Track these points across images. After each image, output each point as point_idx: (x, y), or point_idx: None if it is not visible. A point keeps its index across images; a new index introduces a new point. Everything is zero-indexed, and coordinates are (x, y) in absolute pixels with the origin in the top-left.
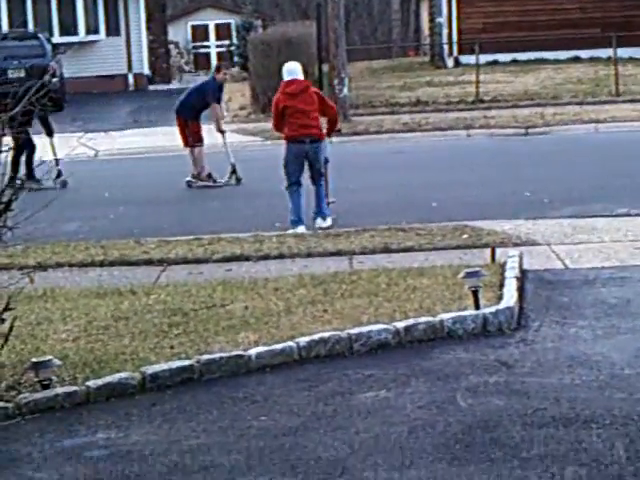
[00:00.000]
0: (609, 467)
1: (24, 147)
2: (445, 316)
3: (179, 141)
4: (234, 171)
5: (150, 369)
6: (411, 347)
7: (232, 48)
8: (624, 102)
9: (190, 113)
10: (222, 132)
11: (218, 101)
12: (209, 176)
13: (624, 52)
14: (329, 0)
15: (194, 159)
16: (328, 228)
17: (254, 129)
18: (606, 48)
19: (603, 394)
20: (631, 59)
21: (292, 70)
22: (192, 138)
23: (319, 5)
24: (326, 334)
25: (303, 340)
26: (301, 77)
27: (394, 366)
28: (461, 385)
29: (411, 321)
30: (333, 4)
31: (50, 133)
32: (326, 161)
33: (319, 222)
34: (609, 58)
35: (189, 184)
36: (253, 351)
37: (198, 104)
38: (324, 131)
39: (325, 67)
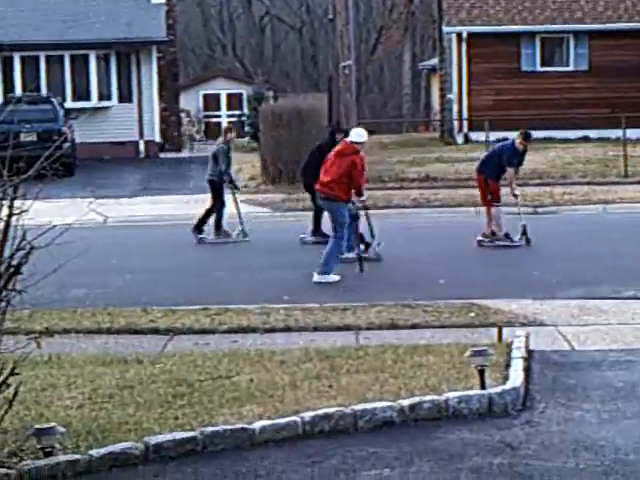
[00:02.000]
0: None
1: None
2: (451, 395)
3: (187, 209)
4: (524, 232)
5: (153, 439)
6: (416, 426)
7: (243, 118)
8: (632, 183)
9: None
10: (515, 196)
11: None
12: (507, 235)
13: (633, 133)
14: (341, 73)
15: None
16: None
17: (263, 200)
18: (615, 129)
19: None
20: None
21: (353, 132)
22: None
23: (331, 78)
24: (331, 410)
25: (307, 415)
26: (356, 141)
27: (398, 444)
28: (465, 465)
29: (416, 399)
30: (345, 77)
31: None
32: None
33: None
34: (618, 139)
35: (480, 243)
36: (257, 425)
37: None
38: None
39: None
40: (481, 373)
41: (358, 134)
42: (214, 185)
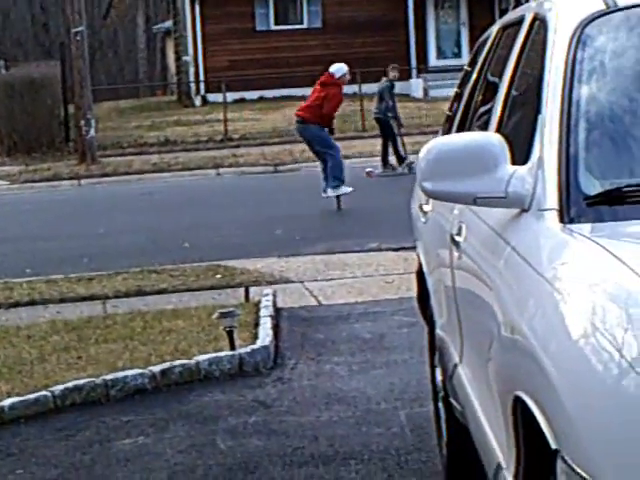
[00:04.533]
0: None
1: None
2: (201, 358)
3: None
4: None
5: None
6: (168, 391)
7: None
8: (370, 137)
9: None
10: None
11: None
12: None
13: (369, 88)
14: (72, 39)
15: None
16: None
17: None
18: (351, 84)
19: (360, 430)
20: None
21: (334, 67)
22: None
23: (62, 44)
24: (81, 381)
25: (58, 389)
26: (334, 74)
27: (152, 411)
28: (220, 427)
29: (167, 364)
30: (77, 43)
31: None
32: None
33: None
34: (355, 94)
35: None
36: (6, 402)
37: None
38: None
39: (71, 108)
40: (230, 334)
41: (338, 69)
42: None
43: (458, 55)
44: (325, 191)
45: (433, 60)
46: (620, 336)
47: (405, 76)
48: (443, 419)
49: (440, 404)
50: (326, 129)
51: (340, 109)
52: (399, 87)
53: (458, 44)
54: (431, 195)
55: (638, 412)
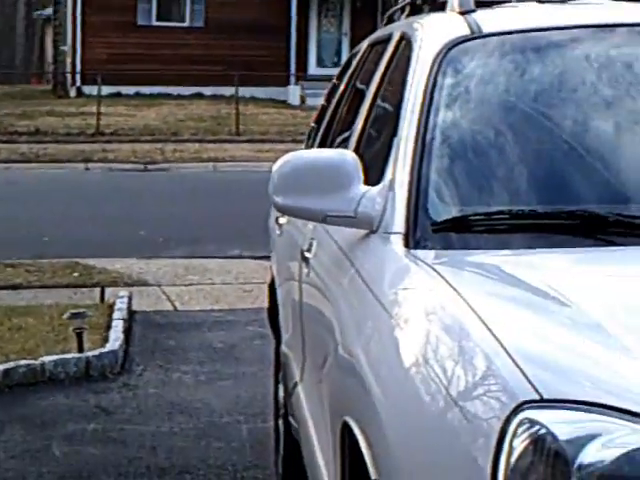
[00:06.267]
0: None
1: None
2: (47, 359)
3: None
4: None
5: None
6: (11, 392)
7: None
8: (243, 142)
9: None
10: None
11: None
12: None
13: (246, 91)
14: None
15: None
16: None
17: None
18: (229, 86)
19: (200, 443)
20: (253, 98)
21: None
22: None
23: None
24: None
25: None
26: None
27: None
28: (58, 433)
29: (12, 364)
30: None
31: None
32: None
33: None
34: (231, 96)
35: None
36: None
37: None
38: None
39: None
40: (79, 335)
41: None
42: None
43: (338, 64)
44: None
45: (313, 68)
46: (450, 368)
47: (283, 82)
48: (282, 436)
49: (280, 421)
50: None
51: (215, 112)
52: (276, 93)
53: (339, 53)
54: (281, 210)
55: (459, 449)
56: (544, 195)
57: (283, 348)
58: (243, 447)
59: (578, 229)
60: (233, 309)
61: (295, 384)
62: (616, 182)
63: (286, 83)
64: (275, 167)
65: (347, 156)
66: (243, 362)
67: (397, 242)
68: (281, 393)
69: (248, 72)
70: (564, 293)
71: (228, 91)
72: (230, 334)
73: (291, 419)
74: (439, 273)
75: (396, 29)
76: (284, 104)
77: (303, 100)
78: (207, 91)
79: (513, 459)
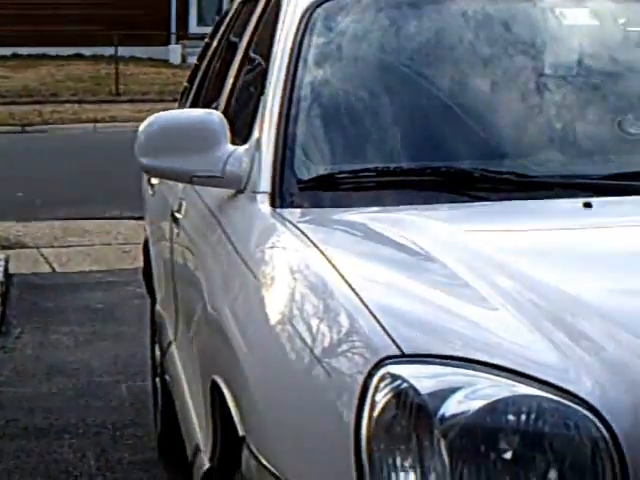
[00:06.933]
0: (79, 478)
1: None
2: None
3: None
4: None
5: None
6: None
7: None
8: (124, 102)
9: None
10: None
11: None
12: None
13: (126, 51)
14: None
15: None
16: None
17: None
18: (109, 46)
19: (79, 403)
20: (133, 58)
21: None
22: None
23: None
24: None
25: None
26: None
27: None
28: None
29: None
30: None
31: None
32: None
33: None
34: (111, 57)
35: None
36: None
37: None
38: None
39: None
40: None
41: None
42: None
43: None
44: None
45: (193, 27)
46: (315, 326)
47: (164, 42)
48: (160, 395)
49: (157, 379)
50: None
51: (94, 72)
52: (157, 53)
53: (220, 12)
54: (147, 171)
55: (324, 405)
56: (412, 152)
57: (157, 308)
58: (122, 405)
59: (445, 185)
60: (112, 270)
61: (169, 343)
62: (485, 139)
63: (167, 42)
64: (141, 127)
65: (214, 115)
66: (122, 322)
67: (264, 201)
68: (157, 352)
69: (128, 31)
70: (428, 249)
71: (108, 51)
72: (109, 295)
73: (167, 378)
74: (303, 232)
75: None
76: (165, 63)
77: (184, 59)
78: (87, 51)
79: (375, 413)
